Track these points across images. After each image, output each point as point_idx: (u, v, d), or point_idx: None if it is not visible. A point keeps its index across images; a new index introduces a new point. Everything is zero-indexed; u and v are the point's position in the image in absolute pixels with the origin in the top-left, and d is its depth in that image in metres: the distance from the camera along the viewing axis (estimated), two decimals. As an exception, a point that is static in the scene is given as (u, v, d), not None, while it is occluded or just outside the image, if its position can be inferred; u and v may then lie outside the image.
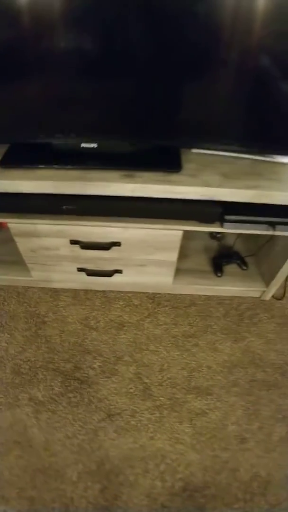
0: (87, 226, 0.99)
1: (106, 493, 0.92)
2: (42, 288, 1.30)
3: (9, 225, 1.01)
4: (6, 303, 1.26)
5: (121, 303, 1.26)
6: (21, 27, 0.72)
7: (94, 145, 0.89)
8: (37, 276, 1.22)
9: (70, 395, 1.06)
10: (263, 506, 0.92)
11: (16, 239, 1.06)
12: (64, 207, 0.93)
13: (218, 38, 0.73)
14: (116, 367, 1.11)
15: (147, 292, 1.29)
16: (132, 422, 1.02)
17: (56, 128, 0.89)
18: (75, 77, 0.81)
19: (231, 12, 0.69)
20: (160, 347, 1.16)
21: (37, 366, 1.11)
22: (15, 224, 1.01)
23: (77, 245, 1.05)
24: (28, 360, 1.13)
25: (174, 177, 0.88)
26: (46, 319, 1.22)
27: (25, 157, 0.92)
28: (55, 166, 0.89)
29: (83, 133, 0.89)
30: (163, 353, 1.15)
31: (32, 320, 1.21)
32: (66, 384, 1.08)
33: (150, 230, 0.99)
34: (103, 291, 1.29)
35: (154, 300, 1.27)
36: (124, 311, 1.24)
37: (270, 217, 0.96)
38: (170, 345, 1.17)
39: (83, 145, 0.90)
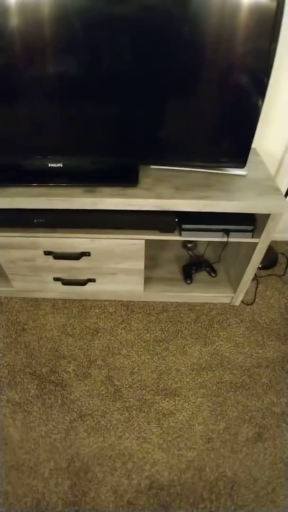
0: (57, 237, 1.09)
1: (75, 490, 0.97)
2: (24, 298, 1.38)
3: (-11, 238, 1.12)
4: (-11, 313, 1.36)
5: (97, 310, 1.34)
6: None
7: (60, 164, 1.00)
8: (18, 286, 1.31)
9: (45, 397, 1.12)
10: (229, 507, 0.95)
11: (-4, 251, 1.16)
12: (35, 220, 1.04)
13: (178, 61, 0.84)
14: (89, 371, 1.18)
15: (121, 300, 1.37)
16: (102, 422, 1.08)
17: (25, 150, 1.00)
18: (39, 104, 0.92)
19: (184, 40, 0.80)
20: (132, 351, 1.22)
21: (16, 370, 1.19)
22: (-7, 237, 1.11)
23: (50, 256, 1.14)
24: (8, 365, 1.20)
25: (130, 191, 0.98)
26: (26, 326, 1.30)
27: None
28: (25, 184, 1.00)
29: (49, 154, 1.00)
30: (135, 357, 1.21)
31: (12, 328, 1.30)
32: (41, 387, 1.15)
33: (115, 240, 1.08)
34: (80, 300, 1.37)
35: (128, 307, 1.35)
36: (99, 318, 1.31)
37: (224, 225, 1.04)
38: (141, 349, 1.23)
39: (50, 165, 1.00)
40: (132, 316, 1.32)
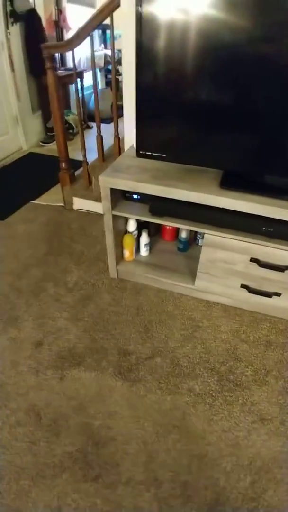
0: (272, 247, 1.19)
1: (255, 487, 0.99)
2: (195, 298, 1.48)
3: (205, 235, 1.24)
4: (164, 303, 1.45)
5: (268, 324, 1.40)
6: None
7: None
8: (199, 285, 1.41)
9: (226, 394, 1.18)
10: None
11: (204, 248, 1.27)
12: (264, 228, 1.15)
13: None
14: (267, 379, 1.22)
15: (291, 321, 1.43)
16: (282, 429, 1.10)
17: (273, 167, 1.13)
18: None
19: None
20: (306, 371, 1.27)
21: (194, 362, 1.26)
22: (211, 235, 1.23)
23: (254, 263, 1.24)
24: (186, 356, 1.28)
25: None
26: (200, 324, 1.38)
27: (239, 183, 1.16)
28: (268, 195, 1.12)
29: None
30: (309, 377, 1.25)
31: (188, 323, 1.38)
32: (221, 384, 1.20)
33: None
34: (250, 311, 1.44)
35: (298, 328, 1.41)
36: (271, 332, 1.37)
37: None
38: (315, 371, 1.27)
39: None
40: (302, 337, 1.38)
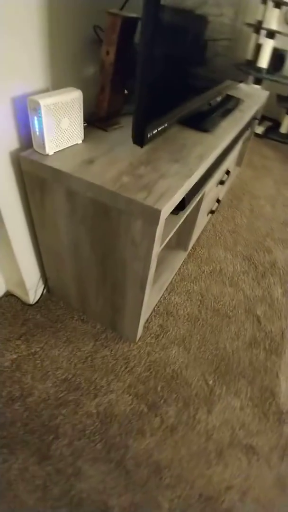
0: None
1: None
2: (187, 261, 1.32)
3: (206, 194, 1.06)
4: (192, 299, 1.20)
5: (220, 227, 1.53)
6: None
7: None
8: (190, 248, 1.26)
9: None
10: None
11: (201, 209, 1.11)
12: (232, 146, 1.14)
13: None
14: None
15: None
16: None
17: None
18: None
19: None
20: None
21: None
22: (208, 190, 1.08)
23: (220, 185, 1.26)
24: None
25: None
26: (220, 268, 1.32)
27: (206, 120, 1.04)
28: (226, 113, 1.09)
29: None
30: None
31: (226, 290, 1.28)
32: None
33: None
34: (204, 229, 1.50)
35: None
36: (228, 224, 1.53)
37: None
38: None
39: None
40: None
